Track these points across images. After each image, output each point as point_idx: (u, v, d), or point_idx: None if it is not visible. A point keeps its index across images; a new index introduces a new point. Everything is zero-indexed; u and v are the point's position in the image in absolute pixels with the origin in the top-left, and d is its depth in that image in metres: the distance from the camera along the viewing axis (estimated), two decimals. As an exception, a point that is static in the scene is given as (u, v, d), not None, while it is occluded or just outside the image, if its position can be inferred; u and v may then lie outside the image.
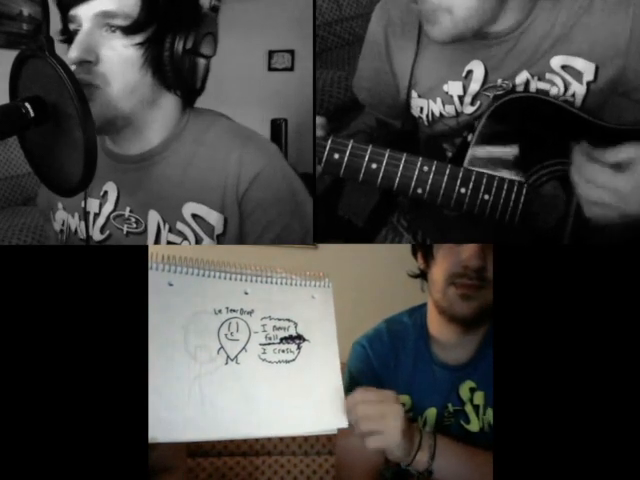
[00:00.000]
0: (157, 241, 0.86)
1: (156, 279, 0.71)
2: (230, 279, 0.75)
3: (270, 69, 2.97)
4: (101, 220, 0.90)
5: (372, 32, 1.10)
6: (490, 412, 0.91)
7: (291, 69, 2.94)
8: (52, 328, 0.76)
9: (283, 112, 2.81)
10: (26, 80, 0.74)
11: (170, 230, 0.85)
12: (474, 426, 0.92)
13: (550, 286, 0.78)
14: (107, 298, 0.77)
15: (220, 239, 0.85)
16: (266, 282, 0.77)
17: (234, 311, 0.74)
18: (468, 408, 0.92)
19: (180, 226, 0.85)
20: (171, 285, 0.71)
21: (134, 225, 0.87)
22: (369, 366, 0.97)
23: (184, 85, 0.86)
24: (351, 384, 0.93)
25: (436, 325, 0.96)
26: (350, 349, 1.00)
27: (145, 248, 0.76)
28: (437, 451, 0.78)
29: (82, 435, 0.75)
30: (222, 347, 0.72)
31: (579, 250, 0.81)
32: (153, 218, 0.86)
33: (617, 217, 0.77)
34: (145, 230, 0.86)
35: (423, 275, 0.97)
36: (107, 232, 0.90)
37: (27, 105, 0.70)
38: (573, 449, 0.75)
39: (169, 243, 0.85)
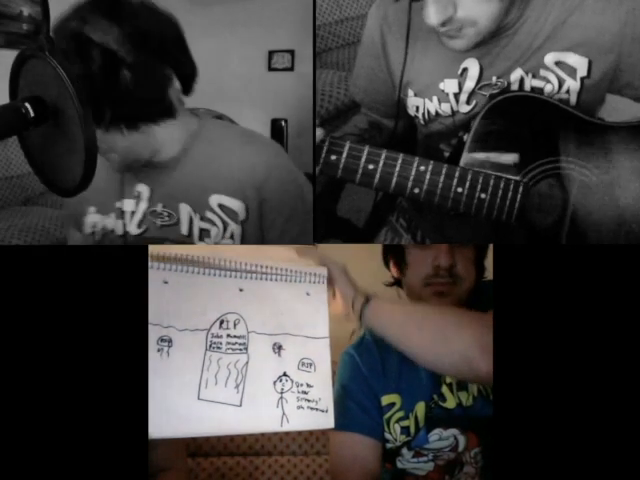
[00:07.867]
0: (190, 229, 0.97)
1: (152, 277, 0.72)
2: (224, 276, 0.76)
3: (270, 69, 2.96)
4: (138, 216, 1.01)
5: (369, 30, 1.10)
6: (464, 390, 0.94)
7: (291, 69, 2.93)
8: (52, 327, 0.76)
9: (283, 112, 2.81)
10: (26, 80, 0.75)
11: (201, 219, 0.97)
12: (450, 403, 0.94)
13: (548, 285, 0.79)
14: (107, 298, 0.77)
15: (244, 224, 0.97)
16: (260, 279, 0.78)
17: (229, 308, 0.75)
18: (443, 389, 0.95)
19: (209, 215, 0.96)
20: (166, 283, 0.72)
21: (167, 218, 0.99)
22: (359, 372, 0.98)
23: None
24: (342, 391, 0.95)
25: None
26: (339, 359, 1.01)
27: (145, 248, 0.77)
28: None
29: (82, 434, 0.75)
30: (219, 343, 0.73)
31: (576, 249, 0.82)
32: (184, 210, 0.97)
33: None
34: (178, 222, 0.98)
35: (398, 282, 1.01)
36: (144, 227, 1.00)
37: (27, 105, 0.70)
38: (572, 444, 0.76)
39: (201, 230, 0.97)
